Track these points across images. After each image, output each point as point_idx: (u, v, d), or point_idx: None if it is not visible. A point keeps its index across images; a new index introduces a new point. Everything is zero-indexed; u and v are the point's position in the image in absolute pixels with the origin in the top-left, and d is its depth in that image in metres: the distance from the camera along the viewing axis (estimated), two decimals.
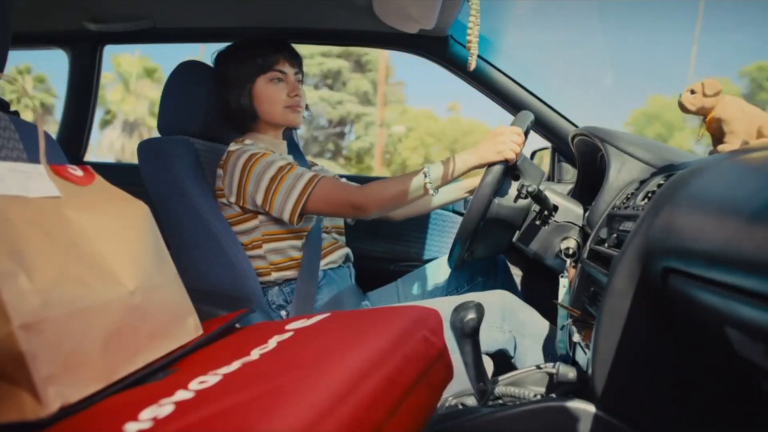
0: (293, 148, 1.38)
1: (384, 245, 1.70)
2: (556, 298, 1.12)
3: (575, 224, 1.18)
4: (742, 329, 0.44)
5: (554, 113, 1.52)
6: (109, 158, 15.19)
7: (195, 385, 0.46)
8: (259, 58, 1.20)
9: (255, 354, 0.53)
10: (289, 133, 1.42)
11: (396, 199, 1.10)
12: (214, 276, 1.17)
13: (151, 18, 1.51)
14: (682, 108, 0.84)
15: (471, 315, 0.76)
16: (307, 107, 1.33)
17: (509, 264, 1.46)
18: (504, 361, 1.14)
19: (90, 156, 1.89)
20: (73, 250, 0.51)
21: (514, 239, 1.24)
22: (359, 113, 15.64)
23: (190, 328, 0.62)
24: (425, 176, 1.08)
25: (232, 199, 1.16)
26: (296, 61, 1.25)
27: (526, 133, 1.14)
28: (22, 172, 0.53)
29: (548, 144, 1.59)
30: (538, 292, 1.50)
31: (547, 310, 1.19)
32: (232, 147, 1.20)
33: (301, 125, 1.33)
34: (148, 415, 0.40)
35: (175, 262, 0.64)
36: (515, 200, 1.17)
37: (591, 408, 0.70)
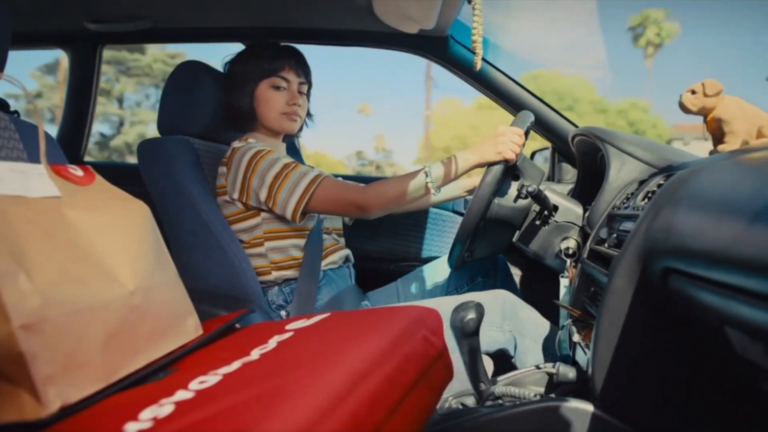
0: (293, 151, 1.38)
1: (384, 245, 1.70)
2: (556, 298, 1.12)
3: (575, 224, 1.18)
4: (742, 329, 0.44)
5: (554, 113, 1.52)
6: None
7: (195, 385, 0.46)
8: (265, 63, 1.22)
9: (255, 354, 0.53)
10: (290, 137, 1.42)
11: (398, 199, 1.10)
12: (214, 276, 1.17)
13: (151, 18, 1.50)
14: (684, 108, 0.84)
15: (471, 315, 0.77)
16: (309, 115, 1.34)
17: (509, 264, 1.46)
18: (504, 360, 1.14)
19: None
20: (73, 250, 0.51)
21: (514, 239, 1.24)
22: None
23: (190, 328, 0.62)
24: (426, 176, 1.09)
25: (235, 196, 1.17)
26: (303, 71, 1.26)
27: (527, 134, 1.14)
28: (22, 172, 0.53)
29: (548, 144, 1.60)
30: (538, 292, 1.50)
31: (547, 310, 1.19)
32: (236, 144, 1.20)
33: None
34: (148, 415, 0.40)
35: (175, 262, 0.64)
36: (515, 200, 1.17)
37: (591, 408, 0.70)
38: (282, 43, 1.29)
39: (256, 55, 1.23)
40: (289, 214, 1.12)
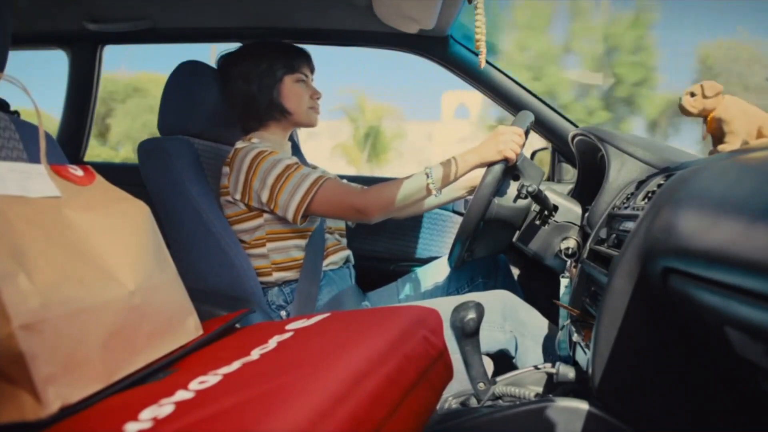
0: (295, 150, 1.38)
1: (384, 245, 1.70)
2: (557, 298, 1.12)
3: (575, 224, 1.18)
4: (742, 329, 0.44)
5: (554, 113, 1.52)
6: None
7: (195, 385, 0.46)
8: (291, 59, 1.24)
9: (255, 354, 0.53)
10: (291, 136, 1.42)
11: (399, 201, 1.10)
12: (213, 276, 1.17)
13: (150, 18, 1.50)
14: (684, 111, 0.84)
15: (471, 315, 0.77)
16: None
17: (509, 264, 1.46)
18: (505, 361, 1.14)
19: None
20: (73, 250, 0.51)
21: (514, 239, 1.24)
22: None
23: (190, 328, 0.62)
24: (427, 177, 1.08)
25: (237, 197, 1.17)
26: (313, 68, 1.31)
27: (526, 133, 1.15)
28: (22, 172, 0.53)
29: (548, 144, 1.60)
30: (538, 292, 1.50)
31: (547, 310, 1.19)
32: (239, 145, 1.20)
33: None
34: (148, 415, 0.40)
35: (175, 262, 0.64)
36: (515, 200, 1.17)
37: (591, 408, 0.70)
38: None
39: (281, 51, 1.26)
40: (290, 216, 1.12)
